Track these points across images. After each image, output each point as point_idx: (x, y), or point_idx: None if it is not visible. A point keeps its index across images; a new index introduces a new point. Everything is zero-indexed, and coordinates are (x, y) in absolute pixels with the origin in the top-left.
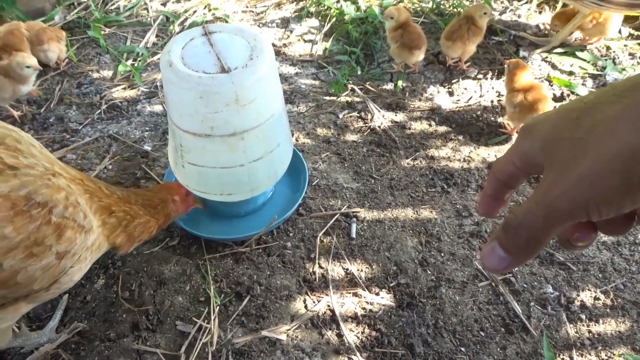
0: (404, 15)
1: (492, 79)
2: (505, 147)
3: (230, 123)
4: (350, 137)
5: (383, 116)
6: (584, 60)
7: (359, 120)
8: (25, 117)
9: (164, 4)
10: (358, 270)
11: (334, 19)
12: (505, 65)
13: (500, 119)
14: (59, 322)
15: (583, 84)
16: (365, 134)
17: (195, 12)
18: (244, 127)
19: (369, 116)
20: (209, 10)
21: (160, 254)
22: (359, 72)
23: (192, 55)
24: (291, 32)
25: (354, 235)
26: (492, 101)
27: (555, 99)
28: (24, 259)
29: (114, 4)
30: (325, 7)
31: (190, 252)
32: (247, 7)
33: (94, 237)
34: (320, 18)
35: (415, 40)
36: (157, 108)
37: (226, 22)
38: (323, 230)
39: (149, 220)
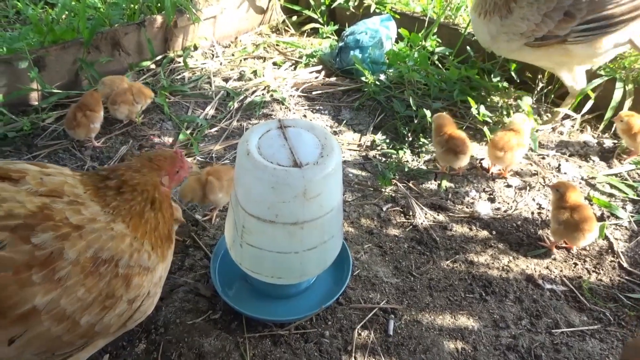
0: (448, 124)
1: (532, 190)
2: (545, 261)
3: (294, 213)
4: (393, 231)
5: (425, 215)
6: (626, 184)
7: (402, 215)
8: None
9: (226, 80)
10: None
11: (384, 114)
12: (555, 189)
13: (540, 232)
14: None
15: (623, 207)
16: (407, 229)
17: (254, 91)
18: (306, 218)
19: (412, 213)
20: (268, 91)
21: (202, 326)
22: (405, 169)
23: (267, 146)
24: (342, 120)
25: (391, 333)
26: (532, 213)
27: (597, 219)
28: (99, 313)
29: (179, 74)
30: (377, 102)
31: (231, 328)
32: (302, 92)
33: (160, 270)
34: (370, 111)
35: (460, 146)
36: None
37: (282, 104)
38: (361, 324)
39: (158, 220)
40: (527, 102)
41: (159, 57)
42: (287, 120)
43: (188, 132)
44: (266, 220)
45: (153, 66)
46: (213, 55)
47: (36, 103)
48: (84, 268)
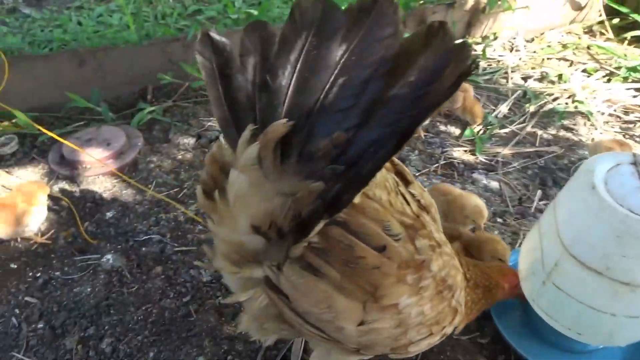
0: None
1: None
2: None
3: (631, 271)
4: None
5: None
6: None
7: None
8: None
9: (525, 79)
10: None
11: None
12: None
13: None
14: None
15: None
16: None
17: (556, 98)
18: None
19: None
20: (572, 101)
21: (467, 345)
22: None
23: (617, 185)
24: None
25: None
26: None
27: None
28: (423, 334)
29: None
30: None
31: None
32: (614, 110)
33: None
34: None
35: None
36: (493, 185)
37: (588, 119)
38: None
39: (479, 300)
40: None
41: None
42: None
43: (476, 128)
44: (592, 269)
45: None
46: (512, 48)
47: None
48: (437, 285)
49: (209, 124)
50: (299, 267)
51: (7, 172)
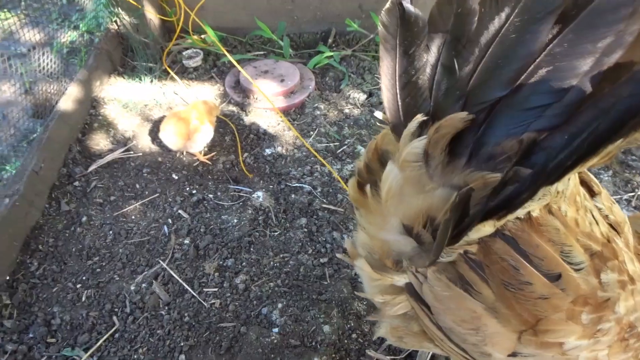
0: None
1: None
2: None
3: None
4: None
5: None
6: None
7: None
8: None
9: None
10: None
11: None
12: None
13: None
14: None
15: None
16: None
17: None
18: None
19: None
20: None
21: None
22: None
23: None
24: None
25: None
26: None
27: None
28: None
29: None
30: None
31: None
32: None
33: None
34: None
35: None
36: None
37: None
38: None
39: None
40: None
41: None
42: None
43: None
44: None
45: None
46: None
47: None
48: (620, 330)
49: None
50: (446, 277)
51: (187, 84)
